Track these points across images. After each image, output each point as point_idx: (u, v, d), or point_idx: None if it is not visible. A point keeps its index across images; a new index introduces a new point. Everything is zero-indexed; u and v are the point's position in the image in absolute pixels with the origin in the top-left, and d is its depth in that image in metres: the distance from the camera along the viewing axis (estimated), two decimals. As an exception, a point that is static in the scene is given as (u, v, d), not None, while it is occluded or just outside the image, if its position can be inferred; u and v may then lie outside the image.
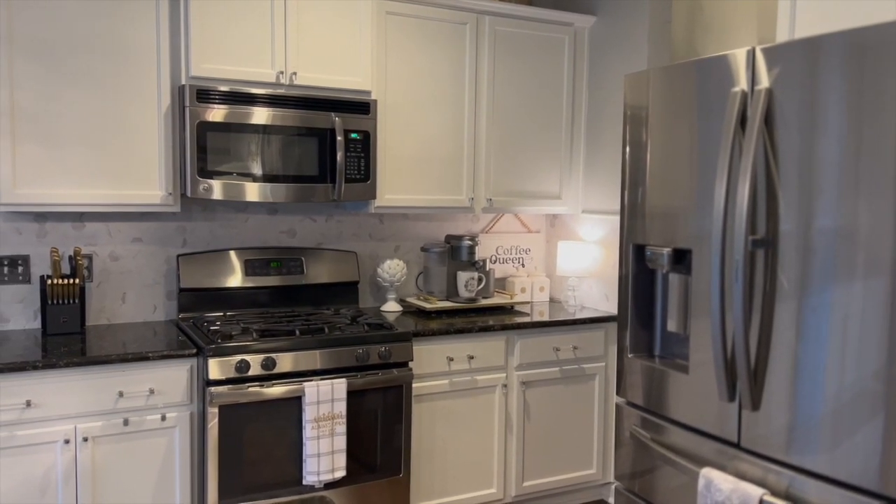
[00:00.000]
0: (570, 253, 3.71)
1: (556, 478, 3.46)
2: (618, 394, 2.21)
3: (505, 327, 3.25)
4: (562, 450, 3.47)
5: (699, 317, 1.91)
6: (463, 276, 3.53)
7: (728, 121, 1.76)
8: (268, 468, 2.71)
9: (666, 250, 1.99)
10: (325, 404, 2.71)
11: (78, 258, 2.87)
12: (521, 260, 4.01)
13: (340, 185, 3.04)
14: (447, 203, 3.42)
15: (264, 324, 2.94)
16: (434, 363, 3.11)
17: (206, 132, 2.82)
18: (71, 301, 2.87)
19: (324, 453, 2.71)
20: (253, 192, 2.91)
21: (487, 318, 3.37)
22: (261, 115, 2.90)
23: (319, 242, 3.50)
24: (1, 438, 2.41)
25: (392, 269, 3.47)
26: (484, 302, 3.58)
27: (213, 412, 2.61)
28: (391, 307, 3.51)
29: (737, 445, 1.83)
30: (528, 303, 3.81)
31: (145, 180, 2.84)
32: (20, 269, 2.95)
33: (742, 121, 1.76)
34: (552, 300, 3.97)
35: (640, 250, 2.13)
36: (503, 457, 3.32)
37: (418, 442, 3.11)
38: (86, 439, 2.51)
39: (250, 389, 2.65)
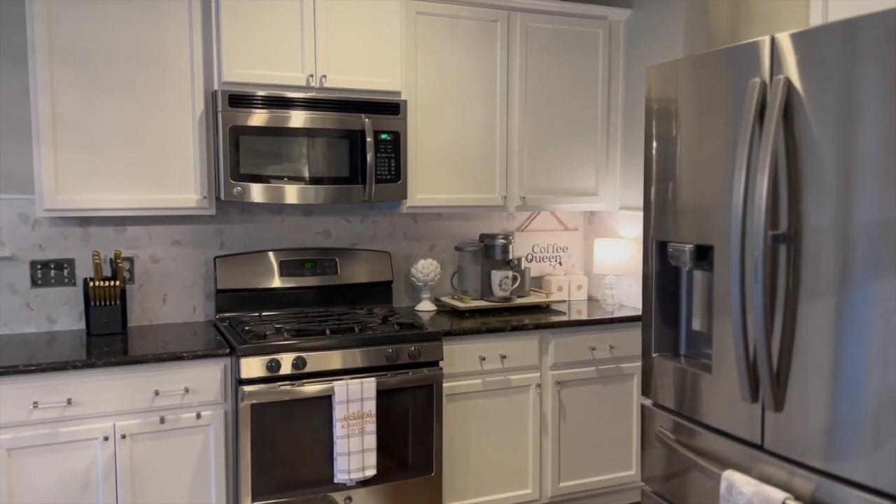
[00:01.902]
0: (607, 250, 3.66)
1: (593, 479, 3.42)
2: (643, 394, 2.17)
3: (538, 326, 3.23)
4: (599, 450, 3.42)
5: (721, 315, 1.86)
6: (497, 275, 3.51)
7: (746, 112, 1.71)
8: (300, 466, 2.75)
9: (688, 247, 1.94)
10: (354, 403, 2.73)
11: (118, 261, 2.96)
12: (558, 258, 3.97)
13: (371, 186, 3.06)
14: (480, 202, 3.41)
15: (297, 324, 2.99)
16: (466, 362, 3.11)
17: (239, 136, 2.87)
18: (112, 303, 2.96)
19: (353, 452, 2.73)
20: (284, 194, 2.95)
21: (522, 317, 3.35)
22: (292, 119, 2.94)
23: (354, 243, 3.54)
24: (44, 435, 2.50)
25: (426, 268, 3.48)
26: (519, 301, 3.56)
27: (245, 411, 2.66)
28: (425, 307, 3.52)
29: (760, 447, 1.77)
30: (564, 301, 3.77)
31: (181, 184, 2.91)
32: (66, 272, 3.06)
33: (762, 112, 1.70)
34: (590, 299, 3.91)
35: (663, 247, 2.08)
36: (538, 457, 3.29)
37: (451, 441, 3.11)
38: (124, 437, 2.59)
39: (281, 388, 2.69)
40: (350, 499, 2.82)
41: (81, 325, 3.10)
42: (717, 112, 1.86)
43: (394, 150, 3.12)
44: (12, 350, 2.68)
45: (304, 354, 2.72)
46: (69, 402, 2.53)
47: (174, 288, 3.24)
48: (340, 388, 2.72)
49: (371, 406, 2.76)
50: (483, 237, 3.61)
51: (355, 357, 2.81)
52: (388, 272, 3.46)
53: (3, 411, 2.45)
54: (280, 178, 2.95)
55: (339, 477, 2.73)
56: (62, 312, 3.08)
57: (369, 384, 2.76)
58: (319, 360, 2.75)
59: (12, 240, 2.98)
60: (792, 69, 1.65)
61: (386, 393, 2.85)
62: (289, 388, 2.70)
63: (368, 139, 3.03)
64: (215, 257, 3.20)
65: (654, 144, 2.11)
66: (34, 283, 3.02)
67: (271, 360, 2.67)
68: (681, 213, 1.99)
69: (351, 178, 3.06)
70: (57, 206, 2.74)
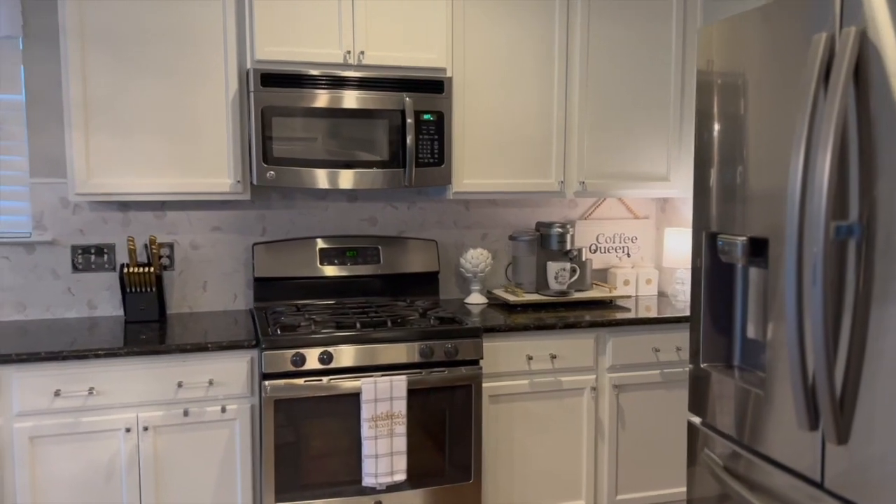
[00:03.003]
0: (679, 241, 3.32)
1: (655, 492, 3.11)
2: (690, 409, 1.87)
3: (593, 324, 2.94)
4: (663, 461, 3.10)
5: (775, 323, 1.55)
6: (553, 267, 3.24)
7: (808, 73, 1.39)
8: (327, 467, 2.59)
9: (740, 240, 1.64)
10: (383, 402, 2.55)
11: (153, 247, 2.89)
12: (625, 249, 3.65)
13: (411, 170, 2.85)
14: (533, 187, 3.15)
15: (330, 315, 2.83)
16: (512, 361, 2.87)
17: (271, 117, 2.73)
18: (148, 289, 2.90)
19: (382, 455, 2.55)
20: (319, 178, 2.79)
21: (582, 313, 3.07)
22: (327, 99, 2.77)
23: (401, 231, 3.35)
24: (66, 425, 2.45)
25: (475, 258, 3.25)
26: (577, 295, 3.27)
27: (268, 406, 2.52)
28: (475, 299, 3.29)
29: (819, 486, 1.46)
30: (630, 297, 3.46)
31: (214, 168, 2.80)
32: (106, 257, 3.03)
33: (828, 74, 1.38)
34: (661, 294, 3.58)
35: (713, 240, 1.78)
36: (593, 466, 3.02)
37: (494, 446, 2.88)
38: (146, 428, 2.51)
39: (306, 384, 2.54)
40: (379, 503, 2.65)
41: (121, 312, 3.06)
42: (781, 77, 1.54)
43: (437, 131, 2.90)
44: (54, 335, 2.65)
45: (330, 349, 2.56)
46: (91, 391, 2.47)
47: (214, 275, 3.16)
48: (368, 385, 2.54)
49: (401, 406, 2.57)
50: (539, 226, 3.34)
51: (386, 353, 2.62)
52: (435, 262, 3.26)
53: (26, 399, 2.41)
54: (315, 161, 2.79)
55: (367, 480, 2.56)
56: (103, 298, 3.04)
57: (399, 382, 2.57)
58: (347, 355, 2.59)
59: (54, 224, 2.97)
60: (868, 18, 1.32)
61: (419, 392, 2.65)
62: (314, 384, 2.55)
63: (409, 120, 2.82)
64: (254, 244, 3.09)
65: (705, 120, 1.80)
66: (75, 267, 2.99)
67: (296, 355, 2.52)
68: (735, 200, 1.68)
69: (390, 161, 2.87)
70: (89, 190, 2.69)
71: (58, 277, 2.99)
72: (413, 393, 2.63)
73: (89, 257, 3.01)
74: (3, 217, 2.93)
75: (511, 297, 3.19)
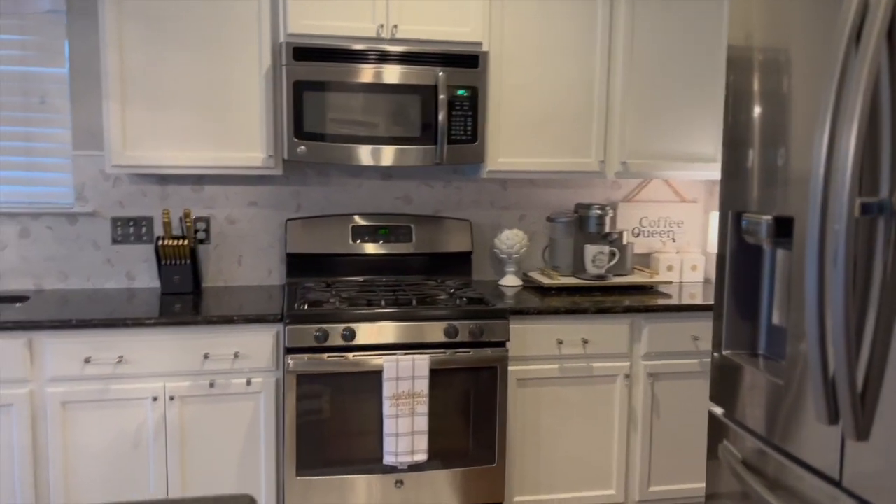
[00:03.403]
0: (724, 226, 3.16)
1: (690, 485, 3.00)
2: (711, 399, 1.77)
3: (628, 310, 2.84)
4: (699, 454, 2.98)
5: (796, 308, 1.44)
6: (591, 250, 3.14)
7: (838, 35, 1.27)
8: (349, 444, 2.58)
9: (765, 219, 1.52)
10: (404, 381, 2.51)
11: (187, 220, 2.92)
12: (671, 233, 3.51)
13: (443, 147, 2.80)
14: (572, 167, 3.05)
15: (357, 293, 2.81)
16: (541, 345, 2.80)
17: (303, 91, 2.71)
18: (182, 262, 2.94)
19: (402, 434, 2.52)
20: (349, 154, 2.77)
21: (619, 298, 2.97)
22: (359, 73, 2.74)
23: (437, 210, 3.30)
24: (96, 391, 2.51)
25: (510, 239, 3.18)
26: (616, 280, 3.17)
27: (290, 380, 2.52)
28: (509, 281, 3.22)
29: (838, 484, 1.35)
30: (673, 283, 3.32)
31: (247, 142, 2.81)
32: (144, 229, 3.08)
33: (860, 36, 1.26)
34: (707, 281, 3.43)
35: (739, 221, 1.66)
36: (625, 456, 2.92)
37: (521, 430, 2.82)
38: (172, 398, 2.55)
39: (329, 360, 2.53)
40: (401, 482, 2.62)
41: (158, 284, 3.11)
42: (822, 48, 1.42)
43: (471, 107, 2.83)
44: (92, 304, 2.71)
45: (353, 326, 2.54)
46: (120, 359, 2.51)
47: (250, 250, 3.18)
48: (390, 364, 2.51)
49: (423, 385, 2.53)
50: (578, 207, 3.24)
51: (410, 332, 2.59)
52: (468, 242, 3.20)
53: (58, 364, 2.47)
54: (345, 136, 2.76)
55: (388, 459, 2.54)
56: (141, 270, 3.10)
57: (422, 361, 2.53)
58: (370, 332, 2.56)
59: (95, 196, 3.03)
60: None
61: (442, 372, 2.60)
62: (337, 359, 2.54)
63: (441, 96, 2.77)
64: (287, 219, 3.09)
65: (737, 96, 1.68)
66: (115, 239, 3.06)
67: (318, 330, 2.51)
68: (766, 180, 1.57)
69: (423, 138, 2.82)
70: (124, 162, 2.73)
71: (98, 248, 3.05)
72: (436, 373, 2.58)
73: (128, 229, 3.06)
74: (47, 188, 3.01)
75: (546, 280, 3.11)
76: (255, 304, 2.74)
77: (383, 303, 2.63)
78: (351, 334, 2.53)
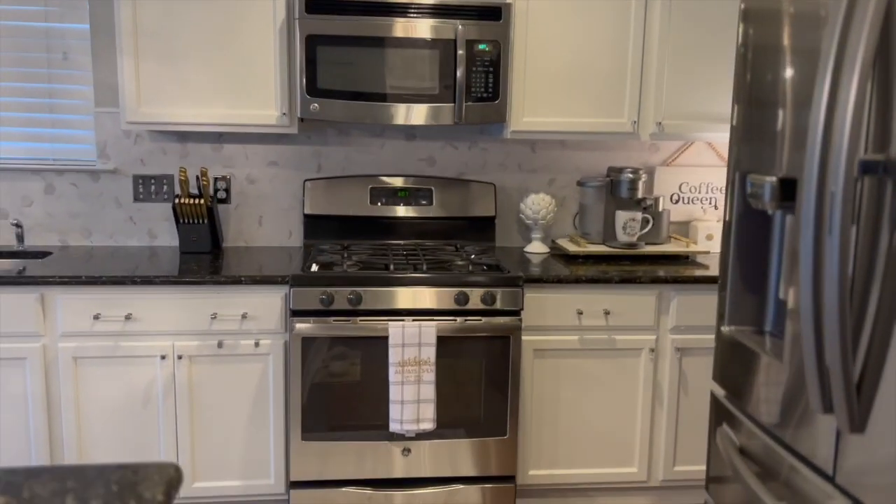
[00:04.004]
0: (768, 193, 2.94)
1: (718, 467, 2.83)
2: (714, 377, 1.62)
3: (655, 280, 2.67)
4: (729, 435, 2.81)
5: (795, 280, 1.28)
6: (622, 217, 2.97)
7: (845, -30, 1.09)
8: (355, 410, 2.53)
9: (769, 180, 1.36)
10: (410, 348, 2.43)
11: (203, 179, 2.89)
12: (712, 200, 3.29)
13: (461, 105, 2.67)
14: (602, 127, 2.87)
15: (370, 256, 2.73)
16: (560, 315, 2.67)
17: (316, 46, 2.62)
18: (199, 221, 2.91)
19: (408, 401, 2.45)
20: (364, 112, 2.67)
21: (651, 267, 2.80)
22: (374, 27, 2.62)
23: (460, 172, 3.18)
24: (106, 348, 2.52)
25: (536, 204, 3.03)
26: (649, 249, 2.99)
27: (295, 343, 2.48)
28: (535, 248, 3.09)
29: (831, 479, 1.20)
30: (710, 253, 3.12)
31: (261, 100, 2.74)
32: (165, 187, 3.07)
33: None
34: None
35: (745, 184, 1.50)
36: (648, 433, 2.78)
37: (538, 402, 2.71)
38: (181, 357, 2.54)
39: (334, 323, 2.47)
40: (408, 451, 2.56)
41: (177, 242, 3.11)
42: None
43: (493, 63, 2.68)
44: (116, 261, 2.73)
45: (360, 289, 2.47)
46: (129, 317, 2.51)
47: (270, 210, 3.13)
48: (395, 329, 2.43)
49: (430, 353, 2.44)
50: (610, 171, 3.07)
51: (418, 297, 2.50)
52: (491, 206, 3.07)
53: (69, 320, 2.49)
54: (360, 94, 2.66)
55: (393, 426, 2.48)
56: (162, 228, 3.10)
57: (428, 328, 2.44)
58: (377, 297, 2.48)
59: (116, 154, 3.03)
60: None
61: (451, 340, 2.51)
62: (342, 324, 2.47)
63: (460, 51, 2.63)
64: (305, 180, 3.03)
65: (747, 43, 1.50)
66: (136, 197, 3.06)
67: (323, 293, 2.45)
68: (776, 138, 1.40)
69: (441, 95, 2.69)
70: (139, 118, 2.70)
71: (120, 206, 3.06)
72: (444, 340, 2.49)
73: (149, 187, 3.06)
74: (71, 145, 3.03)
75: (572, 248, 2.97)
76: (273, 266, 2.69)
77: (392, 267, 2.54)
78: (357, 298, 2.46)
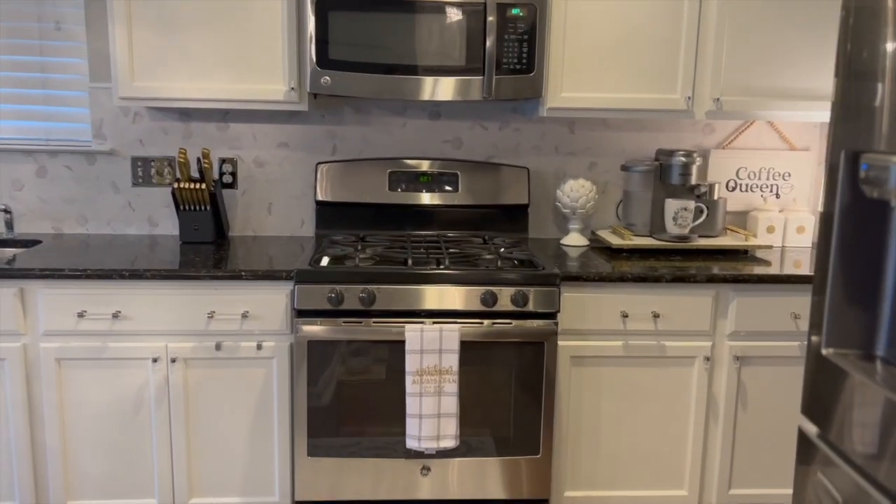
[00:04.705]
0: (842, 180, 2.57)
1: (779, 490, 2.49)
2: (802, 411, 1.29)
3: (712, 279, 2.33)
4: (793, 453, 2.46)
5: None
6: (672, 206, 2.63)
7: None
8: (368, 424, 2.24)
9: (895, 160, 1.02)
10: (430, 355, 2.13)
11: (205, 161, 2.61)
12: (774, 188, 2.93)
13: (491, 78, 2.35)
14: (651, 104, 2.52)
15: (386, 248, 2.43)
16: (602, 318, 2.34)
17: (328, 12, 2.32)
18: (201, 208, 2.64)
19: (427, 415, 2.15)
20: (381, 86, 2.36)
21: (704, 263, 2.47)
22: (391, -12, 2.31)
23: (490, 155, 2.85)
24: (93, 349, 2.26)
25: (575, 191, 2.70)
26: (702, 242, 2.65)
27: (300, 347, 2.19)
28: (573, 240, 2.76)
29: None
30: (773, 247, 2.76)
31: (268, 73, 2.45)
32: (166, 171, 2.80)
33: None
34: (815, 246, 2.84)
35: (855, 165, 1.16)
36: (701, 452, 2.45)
37: (575, 415, 2.39)
38: (174, 360, 2.27)
39: (344, 326, 2.17)
40: (427, 470, 2.27)
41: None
42: None
43: (527, 30, 2.35)
44: (108, 251, 2.47)
45: (373, 287, 2.17)
46: (117, 315, 2.25)
47: (280, 196, 2.85)
48: (413, 334, 2.13)
49: (452, 361, 2.14)
50: (659, 154, 2.72)
51: (440, 297, 2.19)
52: (524, 193, 2.75)
53: (52, 318, 2.24)
54: (375, 66, 2.35)
55: (410, 443, 2.18)
56: (163, 215, 2.84)
57: (451, 333, 2.13)
58: (393, 296, 2.18)
59: (113, 134, 2.77)
60: None
61: (476, 346, 2.20)
62: (353, 326, 2.18)
63: (489, 18, 2.31)
64: (318, 163, 2.73)
65: (844, 5, 1.16)
66: (135, 181, 2.80)
67: (332, 291, 2.15)
68: (885, 109, 1.06)
69: (468, 67, 2.37)
70: (133, 93, 2.43)
71: (118, 191, 2.80)
72: (469, 346, 2.19)
73: (149, 170, 2.79)
74: (65, 124, 2.77)
75: (615, 240, 2.63)
76: (282, 258, 2.41)
77: (410, 262, 2.24)
78: (370, 297, 2.16)
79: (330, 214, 2.72)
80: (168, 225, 2.84)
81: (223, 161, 2.80)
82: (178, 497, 2.35)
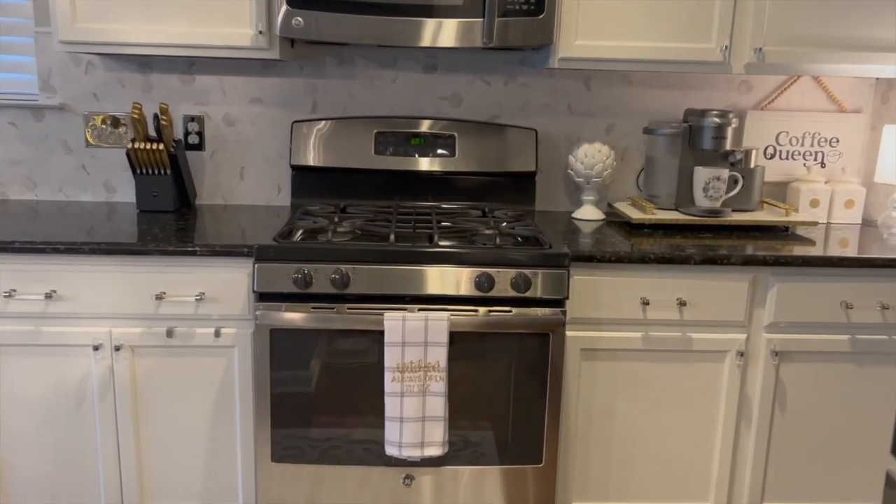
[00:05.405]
0: (904, 146, 2.20)
1: (821, 507, 2.17)
2: (893, 450, 0.95)
3: (749, 261, 1.98)
4: (836, 465, 2.13)
5: None
6: (703, 174, 2.27)
7: None
8: (342, 425, 1.92)
9: None
10: (413, 348, 1.80)
11: (163, 118, 2.27)
12: (819, 155, 2.55)
13: (492, 20, 1.98)
14: (681, 55, 2.15)
15: (367, 221, 2.09)
16: (619, 305, 2.00)
17: (300, -60, 1.95)
18: (160, 171, 2.31)
19: (409, 419, 1.82)
20: (361, 29, 2.00)
21: (738, 242, 2.12)
22: (373, -90, 1.94)
23: (493, 115, 2.49)
24: (26, 333, 1.95)
25: (590, 157, 2.34)
26: (736, 218, 2.29)
27: (261, 337, 1.87)
28: (587, 213, 2.41)
29: None
30: (818, 224, 2.40)
31: (232, 13, 2.09)
32: (124, 129, 2.46)
33: None
34: (867, 224, 2.48)
35: None
36: (730, 460, 2.12)
37: (584, 417, 2.06)
38: (118, 348, 1.96)
39: (313, 313, 1.84)
40: (410, 479, 1.95)
41: (140, 198, 2.51)
42: None
43: (536, -37, 1.98)
44: (62, 220, 2.14)
45: (348, 267, 1.83)
46: (51, 295, 1.93)
47: (254, 160, 2.51)
48: (393, 323, 1.79)
49: (439, 355, 1.81)
50: (688, 115, 2.35)
51: (428, 280, 1.85)
52: (531, 159, 2.39)
53: (-25, 297, 1.93)
54: (357, 4, 1.99)
55: (389, 450, 1.86)
56: (121, 180, 2.51)
57: (438, 323, 1.79)
58: (371, 277, 1.84)
59: (64, 86, 2.43)
60: None
61: (468, 338, 1.87)
62: (324, 314, 1.84)
63: (492, -56, 1.93)
64: (294, 122, 2.39)
65: None
66: (89, 141, 2.46)
67: (298, 272, 1.82)
68: None
69: (465, 8, 2.00)
70: (76, 37, 2.08)
71: (70, 152, 2.47)
72: (460, 338, 1.85)
73: (105, 129, 2.45)
74: (7, 74, 2.43)
75: (635, 214, 2.28)
76: (254, 232, 2.08)
77: (392, 237, 1.89)
78: (343, 279, 1.82)
79: (307, 181, 2.38)
80: (128, 191, 2.51)
81: (190, 119, 2.46)
82: (127, 501, 2.06)
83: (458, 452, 1.93)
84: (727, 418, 2.09)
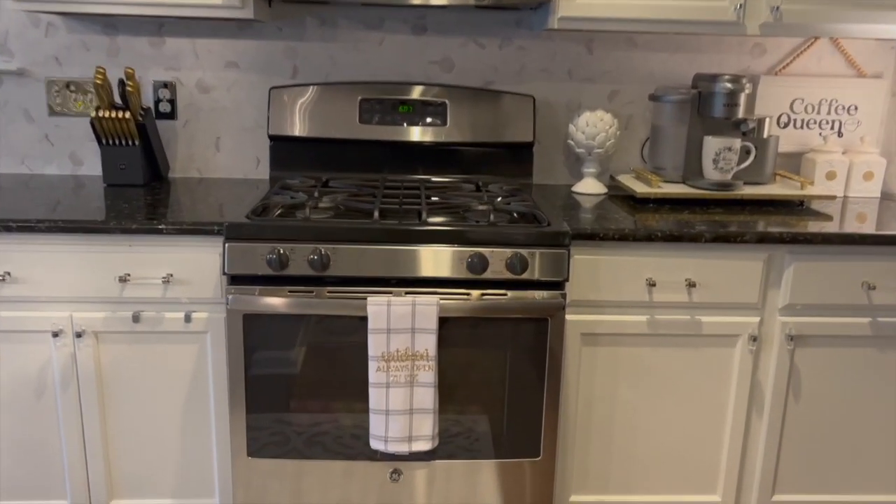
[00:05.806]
0: (931, 114, 2.04)
1: (831, 497, 2.04)
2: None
3: (763, 238, 1.82)
4: (853, 456, 2.01)
5: None
6: (713, 144, 2.10)
7: None
8: (323, 417, 1.77)
9: None
10: (399, 335, 1.65)
11: (128, 84, 2.09)
12: (836, 124, 2.39)
13: (486, -26, 1.80)
14: (692, 14, 1.97)
15: (349, 196, 1.93)
16: (623, 286, 1.84)
17: None
18: (127, 142, 2.14)
19: (395, 412, 1.68)
20: (341, -16, 1.82)
21: (751, 217, 1.96)
22: None
23: (488, 80, 2.32)
24: (-22, 318, 1.79)
25: (592, 126, 2.17)
26: (748, 191, 2.13)
27: (234, 322, 1.71)
28: (588, 187, 2.25)
29: None
30: (835, 198, 2.24)
31: (201, -32, 1.91)
32: (89, 96, 2.28)
33: None
34: (886, 197, 2.33)
35: None
36: (740, 450, 1.99)
37: (585, 406, 1.92)
38: (80, 334, 1.80)
39: (289, 296, 1.69)
40: (398, 474, 1.81)
41: (109, 171, 2.34)
42: None
43: (534, -89, 1.79)
44: (23, 195, 1.98)
45: (327, 247, 1.67)
46: (5, 277, 1.77)
47: (230, 129, 2.34)
48: (377, 308, 1.64)
49: (428, 342, 1.66)
50: (697, 80, 2.18)
51: (415, 261, 1.69)
52: (528, 128, 2.22)
53: (-78, 280, 1.77)
54: (337, -44, 1.81)
55: (375, 444, 1.72)
56: (88, 151, 2.34)
57: (427, 308, 1.64)
58: (352, 258, 1.69)
59: (23, 49, 2.25)
60: None
61: (461, 324, 1.71)
62: (301, 297, 1.69)
63: None
64: (271, 88, 2.21)
65: None
66: (53, 109, 2.28)
67: (272, 252, 1.66)
68: None
69: (456, -40, 1.82)
70: (29, -5, 1.90)
71: (32, 121, 2.30)
72: (451, 324, 1.70)
73: (69, 95, 2.28)
74: (-38, 37, 2.25)
75: (640, 188, 2.12)
76: (230, 208, 1.92)
77: (377, 214, 1.73)
78: (322, 260, 1.66)
79: (287, 152, 2.22)
80: (95, 163, 2.34)
81: (161, 85, 2.28)
82: (95, 498, 1.92)
83: (450, 446, 1.79)
84: (737, 407, 1.95)
